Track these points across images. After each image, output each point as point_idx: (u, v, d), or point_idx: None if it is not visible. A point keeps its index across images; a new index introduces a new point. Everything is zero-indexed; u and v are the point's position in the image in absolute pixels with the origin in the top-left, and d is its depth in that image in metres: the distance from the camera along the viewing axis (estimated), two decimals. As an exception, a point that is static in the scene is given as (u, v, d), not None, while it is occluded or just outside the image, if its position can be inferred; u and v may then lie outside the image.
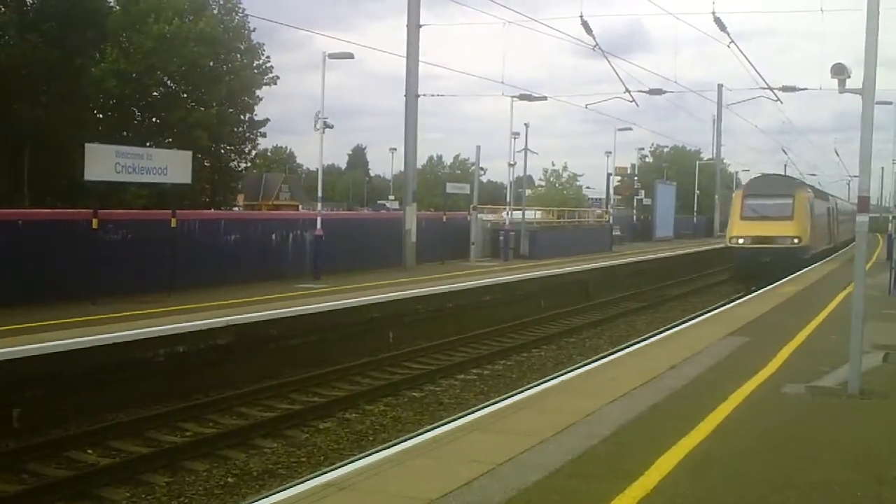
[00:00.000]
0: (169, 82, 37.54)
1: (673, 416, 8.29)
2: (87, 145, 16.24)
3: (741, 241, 29.50)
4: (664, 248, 41.80)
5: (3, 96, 26.80)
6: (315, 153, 24.21)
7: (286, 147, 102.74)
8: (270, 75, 40.93)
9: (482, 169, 66.38)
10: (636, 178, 57.35)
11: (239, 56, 39.39)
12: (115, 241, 16.72)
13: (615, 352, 14.05)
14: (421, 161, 58.17)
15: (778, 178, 35.10)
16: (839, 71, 10.52)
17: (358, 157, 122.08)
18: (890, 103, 30.87)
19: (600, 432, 7.59)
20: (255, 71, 39.98)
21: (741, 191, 32.85)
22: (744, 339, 13.54)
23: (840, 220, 43.26)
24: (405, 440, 8.23)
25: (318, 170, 25.36)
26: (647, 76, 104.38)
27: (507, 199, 36.13)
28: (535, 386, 10.84)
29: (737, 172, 75.29)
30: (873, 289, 19.75)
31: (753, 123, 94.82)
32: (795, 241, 28.90)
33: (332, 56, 22.99)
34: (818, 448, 7.43)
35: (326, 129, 23.00)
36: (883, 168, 55.99)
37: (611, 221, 45.10)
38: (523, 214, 34.56)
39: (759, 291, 22.31)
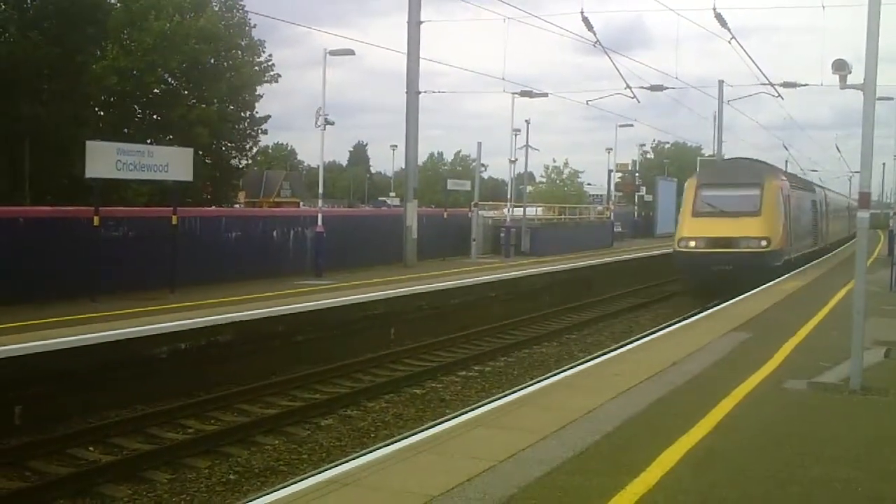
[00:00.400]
0: (170, 79, 37.51)
1: (675, 412, 8.30)
2: (87, 143, 16.21)
3: (692, 244, 23.02)
4: (666, 245, 41.68)
5: (3, 94, 26.76)
6: (316, 150, 24.26)
7: (287, 144, 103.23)
8: (272, 73, 40.97)
9: (483, 165, 66.51)
10: (637, 174, 57.38)
11: (240, 53, 39.38)
12: (116, 239, 16.72)
13: (618, 348, 14.03)
14: (422, 158, 58.07)
15: (743, 163, 27.27)
16: (840, 67, 10.51)
17: (359, 154, 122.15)
18: (891, 99, 30.77)
19: (603, 428, 7.60)
20: (256, 68, 39.97)
21: (695, 178, 25.57)
22: (746, 335, 13.53)
23: (832, 216, 37.58)
24: (408, 436, 8.24)
25: (319, 166, 25.36)
26: (649, 72, 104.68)
27: (509, 196, 36.10)
28: (538, 382, 10.84)
29: (738, 168, 74.97)
30: (874, 285, 19.73)
31: (755, 119, 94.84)
32: (763, 243, 22.72)
33: (333, 53, 23.02)
34: (820, 444, 7.43)
35: (327, 126, 23.00)
36: (884, 164, 56.18)
37: (612, 218, 45.08)
38: (524, 211, 34.57)
39: (760, 288, 20.83)
